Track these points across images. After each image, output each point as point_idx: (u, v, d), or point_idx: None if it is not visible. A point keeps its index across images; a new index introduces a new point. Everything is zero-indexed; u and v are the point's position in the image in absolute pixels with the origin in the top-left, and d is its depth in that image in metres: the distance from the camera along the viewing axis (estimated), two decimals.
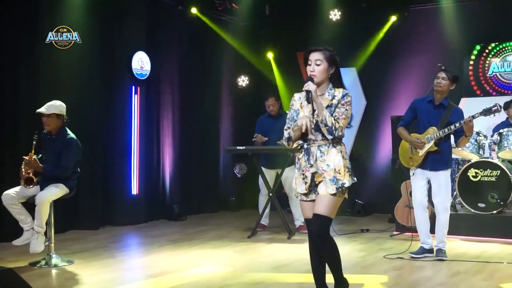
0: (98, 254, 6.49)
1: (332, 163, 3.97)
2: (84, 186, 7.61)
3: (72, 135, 5.99)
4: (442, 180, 5.96)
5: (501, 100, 8.61)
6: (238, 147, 7.44)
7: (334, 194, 3.95)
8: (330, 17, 9.93)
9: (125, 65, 8.59)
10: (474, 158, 7.31)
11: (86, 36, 7.81)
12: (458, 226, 6.97)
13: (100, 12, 8.25)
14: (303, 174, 4.07)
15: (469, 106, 9.00)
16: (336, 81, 4.10)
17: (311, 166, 4.02)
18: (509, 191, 6.99)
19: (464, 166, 7.31)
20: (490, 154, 7.68)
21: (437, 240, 6.09)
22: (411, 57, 9.68)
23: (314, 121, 3.99)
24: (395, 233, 7.60)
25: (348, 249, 6.69)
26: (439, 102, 6.03)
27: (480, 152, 7.32)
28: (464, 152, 7.39)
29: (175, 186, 9.64)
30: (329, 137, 3.93)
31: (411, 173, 6.24)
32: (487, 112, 5.92)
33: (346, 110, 3.98)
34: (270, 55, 10.96)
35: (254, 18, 10.60)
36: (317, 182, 4.04)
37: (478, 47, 9.30)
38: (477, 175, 7.19)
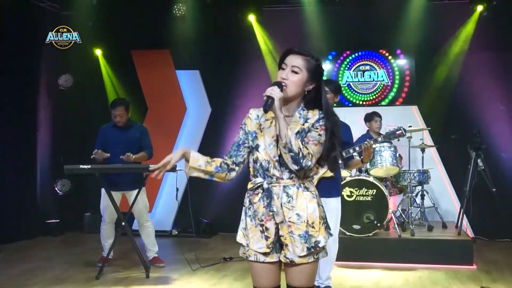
0: None
1: (304, 213, 2.86)
2: None
3: None
4: (334, 207, 5.15)
5: (358, 111, 8.26)
6: (81, 166, 5.78)
7: (303, 257, 2.85)
8: (174, 12, 8.71)
9: None
10: (346, 175, 6.70)
11: None
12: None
13: None
14: (262, 226, 2.91)
15: None
16: (311, 102, 2.96)
17: (273, 214, 2.87)
18: (386, 211, 6.50)
19: None
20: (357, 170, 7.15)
21: (324, 276, 5.23)
22: (262, 61, 8.89)
23: (278, 151, 2.87)
24: None
25: None
26: None
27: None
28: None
29: None
30: (294, 167, 2.80)
31: None
32: (390, 135, 5.28)
33: (319, 135, 2.87)
34: (98, 52, 9.41)
35: (79, 7, 8.93)
36: (283, 237, 2.90)
37: (332, 55, 8.80)
38: (352, 194, 6.59)
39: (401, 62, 8.63)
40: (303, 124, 2.87)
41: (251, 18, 8.76)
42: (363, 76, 8.67)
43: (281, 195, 2.86)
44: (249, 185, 2.95)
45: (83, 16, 8.84)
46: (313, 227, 2.85)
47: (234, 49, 8.98)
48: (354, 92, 8.74)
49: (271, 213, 2.86)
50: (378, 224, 6.51)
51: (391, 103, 8.63)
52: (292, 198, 2.86)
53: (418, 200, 7.54)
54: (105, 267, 6.22)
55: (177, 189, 6.42)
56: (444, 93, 8.40)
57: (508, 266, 6.45)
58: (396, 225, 6.79)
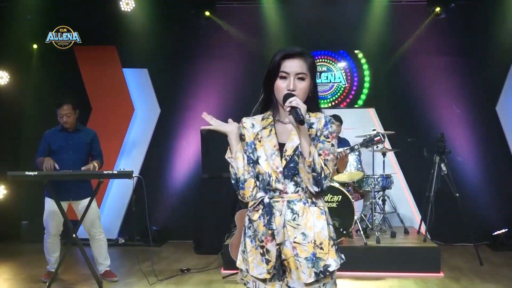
0: None
1: (311, 232, 2.47)
2: None
3: None
4: None
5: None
6: (27, 173, 5.17)
7: (310, 285, 2.46)
8: (122, 6, 8.15)
9: None
10: None
11: None
12: None
13: None
14: (262, 247, 2.51)
15: None
16: (312, 102, 2.59)
17: (274, 233, 2.48)
18: (352, 217, 6.25)
19: None
20: None
21: None
22: (213, 60, 8.51)
23: (284, 161, 2.49)
24: (226, 272, 6.26)
25: None
26: None
27: None
28: None
29: None
30: (314, 189, 2.45)
31: None
32: (368, 142, 5.00)
33: (332, 145, 2.53)
34: (35, 46, 8.72)
35: None
36: (287, 261, 2.50)
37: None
38: None
39: (359, 64, 8.44)
40: (308, 130, 2.51)
41: (206, 15, 8.31)
42: (319, 78, 8.42)
43: (284, 211, 2.48)
44: (250, 202, 2.56)
45: (19, 9, 8.11)
46: (321, 248, 2.48)
47: (185, 47, 8.55)
48: None
49: (270, 232, 2.47)
50: (344, 232, 6.26)
51: (349, 105, 8.43)
52: (298, 214, 2.48)
53: (379, 205, 7.36)
54: (44, 281, 5.70)
55: (134, 197, 5.91)
56: (401, 96, 8.29)
57: (473, 272, 6.35)
58: (361, 232, 6.57)
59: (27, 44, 8.64)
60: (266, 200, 2.50)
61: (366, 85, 8.44)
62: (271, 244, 2.48)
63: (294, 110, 2.36)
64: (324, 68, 8.45)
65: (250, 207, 2.56)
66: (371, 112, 8.33)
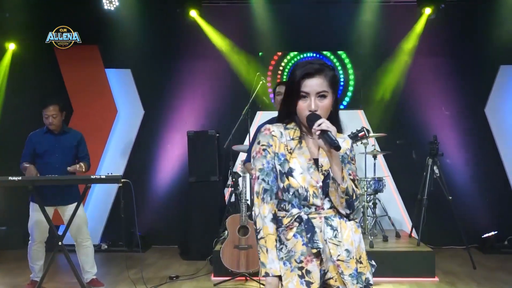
0: None
1: (353, 247, 2.33)
2: None
3: None
4: None
5: None
6: (11, 178, 4.88)
7: None
8: (105, 6, 7.89)
9: None
10: None
11: None
12: None
13: None
14: (301, 269, 2.30)
15: (264, 120, 8.03)
16: (335, 119, 2.41)
17: (319, 252, 2.29)
18: None
19: None
20: None
21: None
22: (199, 60, 8.31)
23: (322, 176, 2.32)
24: (216, 279, 6.05)
25: None
26: None
27: None
28: None
29: None
30: (346, 211, 2.33)
31: None
32: (353, 138, 4.84)
33: (356, 168, 2.42)
34: (12, 46, 8.40)
35: None
36: (332, 280, 2.33)
37: (266, 55, 8.33)
38: None
39: (348, 65, 8.31)
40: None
41: (193, 14, 8.08)
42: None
43: (323, 228, 2.30)
44: (285, 220, 2.34)
45: None
46: (361, 262, 2.35)
47: (170, 47, 8.33)
48: None
49: (314, 251, 2.28)
50: None
51: None
52: (337, 231, 2.31)
53: (371, 209, 7.24)
54: None
55: (123, 202, 5.66)
56: (390, 97, 8.19)
57: (469, 276, 6.27)
58: None
59: (5, 44, 8.33)
60: (305, 216, 2.31)
61: (351, 88, 8.32)
62: (312, 264, 2.29)
63: (326, 134, 2.20)
64: None
65: (284, 225, 2.34)
66: (360, 114, 8.20)
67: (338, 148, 2.17)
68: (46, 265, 5.36)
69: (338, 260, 2.29)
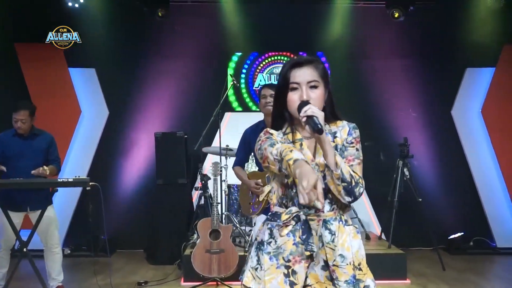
0: None
1: (349, 253, 2.24)
2: None
3: None
4: None
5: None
6: None
7: None
8: (68, 3, 7.65)
9: None
10: None
11: None
12: None
13: None
14: (288, 268, 2.24)
15: (233, 121, 7.94)
16: (330, 112, 2.36)
17: (311, 253, 2.23)
18: None
19: None
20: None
21: None
22: (166, 59, 8.15)
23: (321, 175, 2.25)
24: (186, 284, 5.91)
25: None
26: None
27: None
28: None
29: None
30: (347, 199, 2.21)
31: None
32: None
33: (357, 150, 2.33)
34: None
35: None
36: (314, 285, 2.25)
37: (236, 56, 8.23)
38: None
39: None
40: (333, 141, 2.31)
41: (159, 12, 7.90)
42: (276, 80, 8.19)
43: (320, 231, 2.23)
44: (283, 216, 2.27)
45: None
46: (360, 269, 2.26)
47: (136, 46, 8.14)
48: None
49: (306, 252, 2.22)
50: None
51: None
52: (335, 235, 2.23)
53: None
54: None
55: (91, 206, 5.47)
56: (358, 98, 8.18)
57: (439, 278, 6.31)
58: None
59: None
60: (303, 217, 2.25)
61: None
62: (300, 265, 2.23)
63: (310, 119, 2.12)
64: (278, 71, 8.23)
65: (281, 221, 2.27)
66: None
67: (320, 131, 2.08)
68: (9, 273, 5.14)
69: (334, 264, 2.22)
